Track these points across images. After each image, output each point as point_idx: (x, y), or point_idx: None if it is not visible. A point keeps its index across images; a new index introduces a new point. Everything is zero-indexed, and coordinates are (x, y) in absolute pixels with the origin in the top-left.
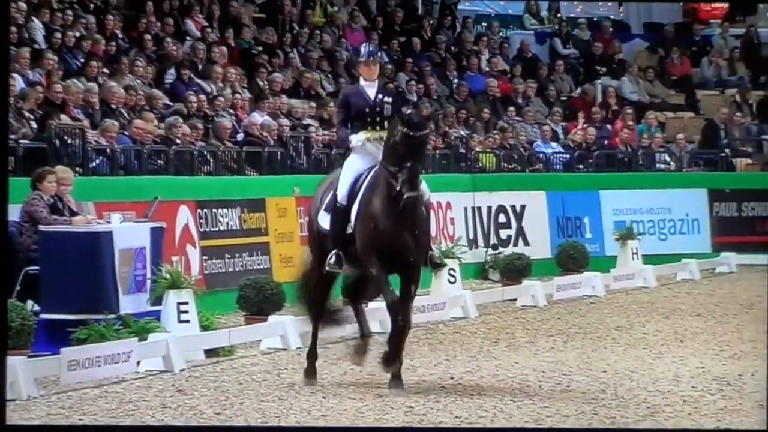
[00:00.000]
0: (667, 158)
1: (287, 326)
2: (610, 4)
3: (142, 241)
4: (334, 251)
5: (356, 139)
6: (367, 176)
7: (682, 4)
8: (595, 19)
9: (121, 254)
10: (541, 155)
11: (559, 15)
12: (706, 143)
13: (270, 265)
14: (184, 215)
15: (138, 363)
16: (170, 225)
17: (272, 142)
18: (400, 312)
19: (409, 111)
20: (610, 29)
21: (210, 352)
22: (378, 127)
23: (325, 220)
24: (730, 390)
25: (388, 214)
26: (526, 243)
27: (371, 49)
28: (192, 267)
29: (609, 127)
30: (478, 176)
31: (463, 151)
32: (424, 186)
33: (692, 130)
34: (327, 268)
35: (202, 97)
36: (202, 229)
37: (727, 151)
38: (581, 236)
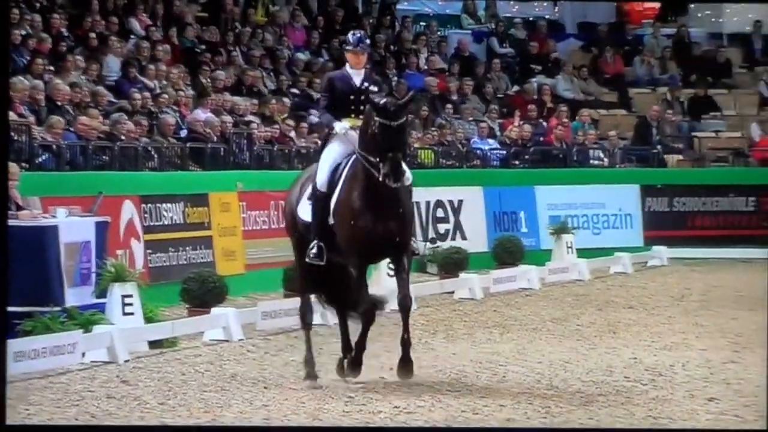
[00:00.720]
0: (601, 155)
1: (229, 318)
2: (545, 4)
3: (87, 235)
4: (315, 242)
5: (340, 126)
6: (345, 165)
7: (615, 4)
8: (530, 18)
9: (66, 248)
10: (478, 152)
11: (495, 15)
12: (639, 140)
13: (213, 259)
14: (129, 210)
15: (83, 354)
16: (115, 219)
17: (215, 139)
18: (371, 321)
19: (383, 100)
20: (545, 29)
21: (154, 344)
22: (361, 115)
23: (306, 211)
24: (661, 380)
25: (368, 206)
26: (464, 237)
27: (360, 35)
28: (136, 260)
29: (544, 124)
30: (417, 171)
31: None
32: (404, 168)
33: (625, 127)
34: (307, 260)
35: (146, 94)
36: (146, 224)
37: (658, 147)
38: (517, 230)
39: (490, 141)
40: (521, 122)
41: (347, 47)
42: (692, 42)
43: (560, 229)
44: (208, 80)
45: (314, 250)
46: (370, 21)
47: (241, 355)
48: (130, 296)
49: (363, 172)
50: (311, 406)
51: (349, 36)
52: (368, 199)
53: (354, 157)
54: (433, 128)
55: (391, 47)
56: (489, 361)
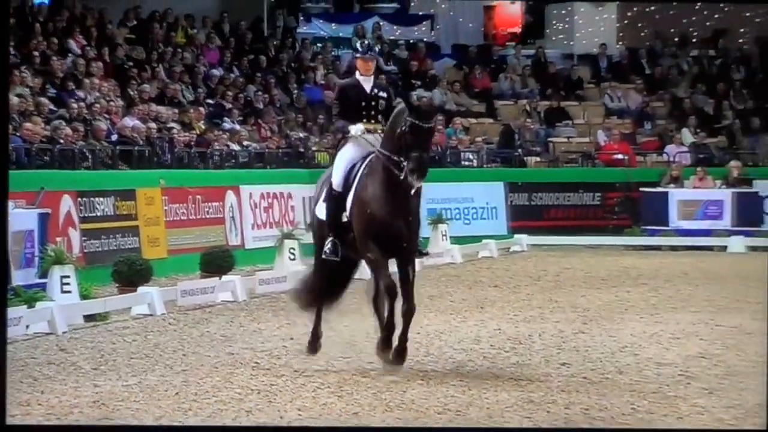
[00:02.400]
0: (471, 157)
1: (153, 296)
2: (424, 28)
3: (30, 225)
4: (330, 239)
5: (355, 129)
6: (362, 164)
7: (483, 29)
8: (411, 41)
9: (13, 236)
10: None
11: (381, 37)
12: (503, 144)
13: (139, 245)
14: (67, 203)
15: (27, 327)
16: (55, 211)
17: (141, 142)
18: (395, 295)
19: (418, 102)
20: (424, 50)
21: (88, 318)
22: (373, 120)
23: (322, 210)
24: (521, 348)
25: (385, 201)
26: None
27: (369, 43)
28: (73, 246)
29: None
30: (315, 171)
31: (302, 150)
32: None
33: (491, 133)
34: (323, 256)
35: (82, 104)
36: (81, 215)
37: (520, 150)
38: None
39: None
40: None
41: (357, 55)
42: (548, 61)
43: (436, 220)
44: (136, 92)
45: (329, 246)
46: (275, 42)
47: (163, 328)
48: (68, 277)
49: (382, 170)
50: (224, 371)
51: (358, 45)
52: (385, 195)
53: (371, 157)
54: (329, 134)
55: (293, 65)
56: (375, 332)
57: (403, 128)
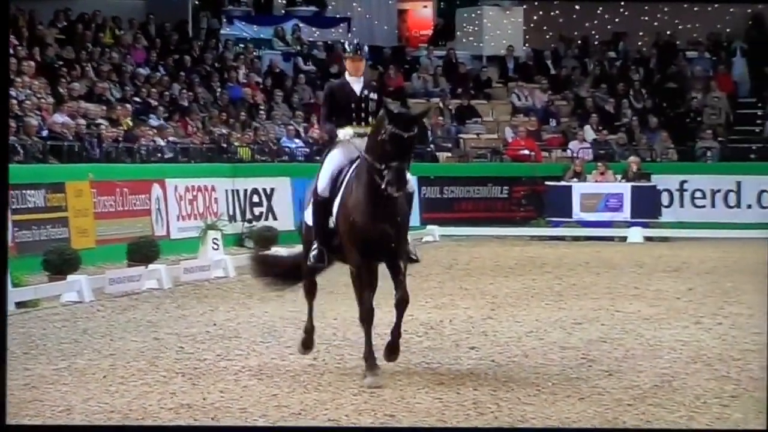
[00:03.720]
0: None
1: (82, 284)
2: (341, 30)
3: None
4: (316, 245)
5: (344, 133)
6: (349, 169)
7: (396, 31)
8: (329, 42)
9: None
10: (286, 149)
11: (300, 39)
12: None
13: (69, 235)
14: None
15: None
16: None
17: (71, 138)
18: (371, 321)
19: (398, 110)
20: (342, 51)
21: (20, 304)
22: (363, 123)
23: (309, 214)
24: (432, 333)
25: (368, 205)
26: (275, 218)
27: (357, 43)
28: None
29: None
30: (237, 165)
31: (225, 145)
32: (409, 177)
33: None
34: (308, 263)
35: (14, 101)
36: (14, 207)
37: (432, 146)
38: None
39: (297, 140)
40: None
41: (346, 55)
42: (458, 62)
43: None
44: (65, 90)
45: (314, 254)
46: (199, 43)
47: (91, 314)
48: None
49: (366, 174)
50: (149, 354)
51: (347, 44)
52: (369, 200)
53: (358, 161)
54: (250, 130)
55: (216, 64)
56: (295, 318)
57: (383, 136)
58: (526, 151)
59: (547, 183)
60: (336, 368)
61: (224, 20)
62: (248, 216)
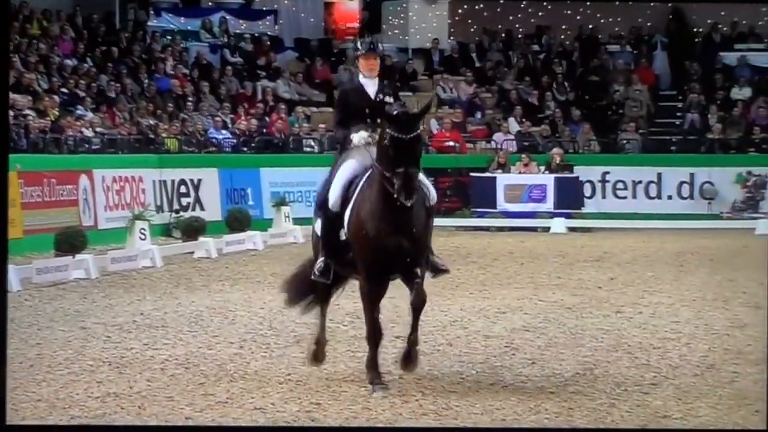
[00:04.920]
0: (312, 143)
1: (9, 273)
2: (268, 22)
3: None
4: (322, 259)
5: (358, 137)
6: (362, 179)
7: (323, 24)
8: (256, 34)
9: None
10: (213, 140)
11: (227, 31)
12: None
13: None
14: None
15: None
16: None
17: None
18: (380, 339)
19: (396, 110)
20: (268, 43)
21: None
22: (379, 129)
23: (318, 224)
24: (358, 322)
25: (382, 217)
26: (202, 208)
27: (371, 39)
28: None
29: (267, 118)
30: (164, 156)
31: (152, 137)
32: (426, 184)
33: (331, 121)
34: (313, 278)
35: None
36: None
37: None
38: (245, 203)
39: (224, 132)
40: (248, 117)
41: (358, 53)
42: (385, 54)
43: (280, 202)
44: None
45: (320, 268)
46: (126, 35)
47: (19, 303)
48: None
49: (379, 184)
50: (76, 345)
51: (358, 43)
52: (382, 211)
53: (371, 170)
54: (177, 121)
55: (143, 56)
56: (221, 308)
57: (385, 142)
58: (452, 143)
59: (471, 174)
60: (262, 357)
61: (151, 12)
62: (175, 206)
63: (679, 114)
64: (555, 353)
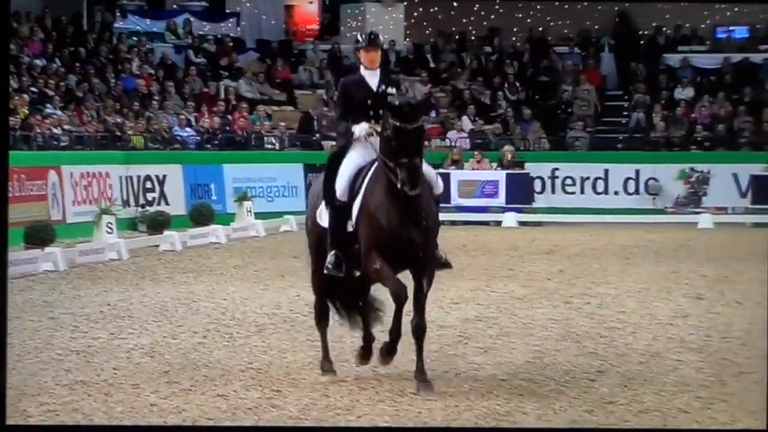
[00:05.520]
0: (273, 141)
1: None
2: (230, 24)
3: None
4: (333, 252)
5: (359, 129)
6: (368, 170)
7: (284, 26)
8: (219, 36)
9: None
10: (178, 137)
11: (191, 32)
12: (303, 130)
13: None
14: None
15: None
16: None
17: None
18: (404, 299)
19: (397, 101)
20: (231, 44)
21: None
22: (381, 121)
23: (324, 217)
24: None
25: (391, 210)
26: (167, 203)
27: (372, 32)
28: None
29: (229, 116)
30: (131, 153)
31: (119, 134)
32: (432, 175)
33: (292, 120)
34: (326, 272)
35: None
36: None
37: (317, 135)
38: (209, 198)
39: (188, 129)
40: (212, 115)
41: (359, 46)
42: (343, 55)
43: (242, 197)
44: None
45: (332, 261)
46: (94, 36)
47: None
48: None
49: (385, 176)
50: (44, 334)
51: (358, 36)
52: (391, 204)
53: (378, 160)
54: (143, 119)
55: (110, 56)
56: (186, 298)
57: (388, 132)
58: None
59: None
60: (224, 346)
61: (118, 14)
62: (141, 201)
63: (625, 113)
64: (506, 342)
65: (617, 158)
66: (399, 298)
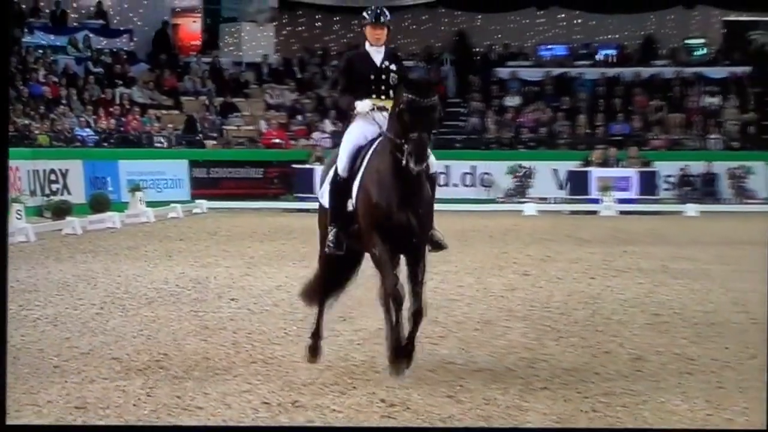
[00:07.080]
0: (162, 140)
1: None
2: (124, 39)
3: None
4: (333, 230)
5: (362, 105)
6: (370, 148)
7: (171, 41)
8: (114, 50)
9: None
10: (79, 137)
11: (90, 46)
12: (188, 131)
13: None
14: None
15: None
16: None
17: None
18: (401, 302)
19: (417, 77)
20: (125, 56)
21: None
22: (383, 96)
23: (325, 196)
24: (200, 287)
25: (392, 188)
26: (69, 193)
27: (379, 8)
28: None
29: (123, 119)
30: (37, 150)
31: (27, 133)
32: (431, 159)
33: (178, 122)
34: (326, 250)
35: None
36: None
37: (200, 135)
38: (106, 189)
39: (87, 130)
40: (108, 117)
41: (365, 22)
42: (222, 67)
43: (135, 188)
44: None
45: (332, 239)
46: None
47: None
48: None
49: (389, 154)
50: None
51: (365, 12)
52: (392, 181)
53: (380, 139)
54: (48, 121)
55: (19, 66)
56: (85, 275)
57: (401, 106)
58: (278, 140)
59: (294, 166)
60: (119, 316)
61: (26, 30)
62: (47, 191)
63: (462, 118)
64: (361, 312)
65: (456, 156)
66: (396, 300)
